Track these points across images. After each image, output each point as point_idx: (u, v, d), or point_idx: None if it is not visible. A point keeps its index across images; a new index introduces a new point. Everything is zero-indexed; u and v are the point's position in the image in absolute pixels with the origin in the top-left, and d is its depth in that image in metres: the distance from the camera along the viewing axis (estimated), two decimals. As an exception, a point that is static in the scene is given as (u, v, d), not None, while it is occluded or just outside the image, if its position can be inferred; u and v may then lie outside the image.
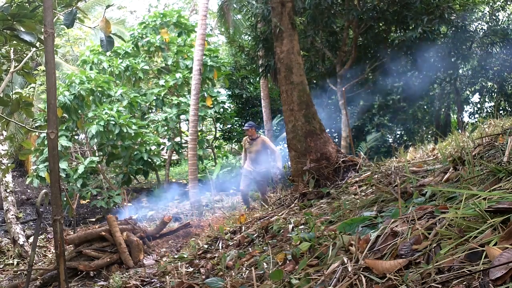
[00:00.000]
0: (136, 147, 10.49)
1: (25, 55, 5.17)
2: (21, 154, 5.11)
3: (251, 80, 15.18)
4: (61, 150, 9.46)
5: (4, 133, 7.49)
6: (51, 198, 3.06)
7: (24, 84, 12.68)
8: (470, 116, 15.12)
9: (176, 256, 4.42)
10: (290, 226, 3.26)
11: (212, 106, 12.14)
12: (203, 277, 3.10)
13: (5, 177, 7.49)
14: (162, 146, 12.44)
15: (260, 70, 10.77)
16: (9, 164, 6.63)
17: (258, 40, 10.15)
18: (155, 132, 11.95)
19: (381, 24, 9.71)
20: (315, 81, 11.50)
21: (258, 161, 8.50)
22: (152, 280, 3.94)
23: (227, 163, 14.56)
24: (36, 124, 9.98)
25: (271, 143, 8.57)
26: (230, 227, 4.70)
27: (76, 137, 11.10)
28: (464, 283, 1.37)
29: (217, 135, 15.04)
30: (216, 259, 3.53)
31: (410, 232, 1.86)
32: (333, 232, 2.51)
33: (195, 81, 9.61)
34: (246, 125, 8.72)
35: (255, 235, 3.72)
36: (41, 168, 9.66)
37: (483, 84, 14.51)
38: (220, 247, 3.98)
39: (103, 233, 5.49)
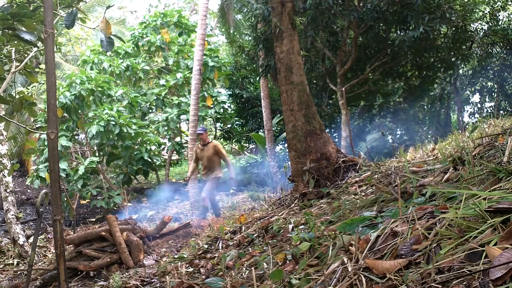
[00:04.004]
0: (136, 147, 10.50)
1: (26, 55, 5.17)
2: (25, 154, 5.11)
3: (251, 80, 15.19)
4: (61, 150, 9.47)
5: (5, 133, 7.50)
6: (51, 198, 3.06)
7: (25, 82, 12.70)
8: (470, 116, 15.14)
9: (176, 256, 4.42)
10: (290, 226, 3.26)
11: (212, 106, 12.14)
12: (203, 277, 3.10)
13: (5, 177, 7.49)
14: (162, 146, 12.44)
15: (260, 70, 10.76)
16: (14, 164, 6.63)
17: (258, 40, 10.15)
18: (155, 132, 11.96)
19: (381, 24, 9.71)
20: (315, 81, 11.50)
21: (210, 167, 7.94)
22: (152, 280, 3.94)
23: (227, 163, 14.54)
24: (37, 125, 9.99)
25: (223, 150, 8.08)
26: (230, 227, 4.70)
27: (76, 137, 11.10)
28: (464, 283, 1.37)
29: (217, 135, 15.05)
30: (216, 259, 3.53)
31: (410, 232, 1.86)
32: (333, 232, 2.51)
33: (195, 81, 9.61)
34: (199, 129, 8.26)
35: (255, 235, 3.72)
36: (41, 168, 9.66)
37: (483, 84, 14.52)
38: (220, 247, 3.98)
39: (103, 233, 5.48)
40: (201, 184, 8.39)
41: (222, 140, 15.94)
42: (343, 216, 2.94)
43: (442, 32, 9.80)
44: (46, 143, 8.42)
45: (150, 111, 12.90)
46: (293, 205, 4.32)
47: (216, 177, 7.95)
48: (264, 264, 2.60)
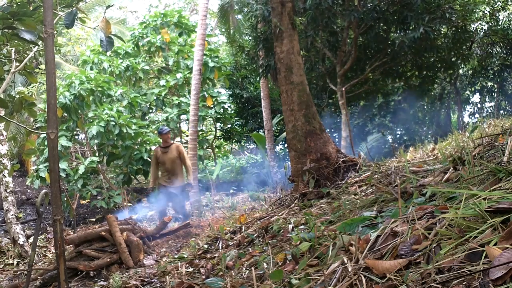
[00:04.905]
0: (136, 147, 10.49)
1: (26, 55, 5.17)
2: (25, 154, 5.12)
3: (252, 80, 15.20)
4: (61, 150, 9.46)
5: (5, 133, 7.50)
6: (51, 198, 3.06)
7: (25, 82, 12.71)
8: (470, 116, 15.16)
9: (176, 256, 4.42)
10: (290, 226, 3.26)
11: (212, 106, 12.14)
12: (203, 277, 3.10)
13: (5, 176, 7.49)
14: (162, 146, 12.43)
15: (260, 70, 10.77)
16: (14, 164, 6.63)
17: (258, 40, 10.15)
18: (155, 132, 11.95)
19: (381, 24, 9.72)
20: (315, 81, 11.50)
21: (174, 172, 7.38)
22: (152, 280, 3.94)
23: (227, 163, 14.58)
24: (37, 125, 9.99)
25: (185, 153, 7.57)
26: (230, 227, 4.70)
27: (76, 137, 11.09)
28: (464, 283, 1.37)
29: (218, 135, 15.04)
30: (216, 259, 3.53)
31: (410, 232, 1.86)
32: (333, 232, 2.51)
33: (195, 81, 9.61)
34: (163, 129, 7.51)
35: (255, 235, 3.72)
36: (41, 168, 9.66)
37: (483, 84, 14.53)
38: (220, 247, 3.98)
39: (103, 233, 5.48)
40: (164, 190, 7.55)
41: (222, 140, 15.94)
42: (343, 216, 2.94)
43: (442, 32, 9.80)
44: (46, 143, 8.42)
45: (150, 111, 12.90)
46: (293, 205, 4.32)
47: (185, 185, 7.57)
48: (264, 264, 2.60)
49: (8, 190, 7.55)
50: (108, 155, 10.53)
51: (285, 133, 6.45)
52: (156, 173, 7.63)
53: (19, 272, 6.13)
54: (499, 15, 12.43)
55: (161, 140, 7.92)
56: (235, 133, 15.07)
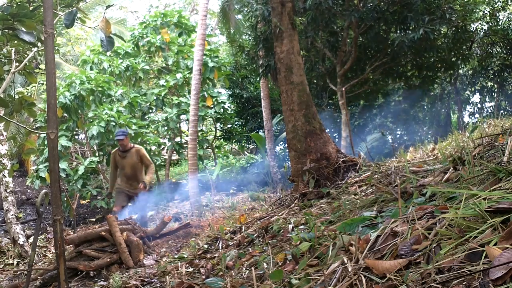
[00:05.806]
0: (136, 147, 10.48)
1: (26, 55, 5.18)
2: (25, 154, 5.13)
3: (252, 80, 15.19)
4: (61, 150, 9.47)
5: (5, 133, 7.50)
6: (51, 198, 3.06)
7: (25, 83, 12.71)
8: (470, 116, 15.14)
9: (176, 256, 4.42)
10: (290, 226, 3.26)
11: (212, 106, 12.14)
12: (203, 277, 3.10)
13: (5, 177, 7.49)
14: (162, 146, 12.43)
15: (260, 70, 10.76)
16: (13, 164, 6.64)
17: (258, 40, 10.15)
18: (155, 132, 11.95)
19: (381, 24, 9.71)
20: (315, 81, 11.49)
21: (135, 177, 6.92)
22: (152, 280, 3.94)
23: (227, 163, 14.57)
24: (37, 125, 9.99)
25: (147, 155, 7.08)
26: (230, 227, 4.70)
27: (76, 137, 11.09)
28: (464, 283, 1.37)
29: (217, 135, 15.04)
30: (216, 259, 3.53)
31: (410, 232, 1.86)
32: (333, 232, 2.51)
33: (195, 81, 9.61)
34: (118, 133, 6.87)
35: (255, 235, 3.72)
36: (41, 168, 9.66)
37: (483, 84, 14.52)
38: (220, 247, 3.98)
39: (103, 233, 5.48)
40: (123, 191, 7.10)
41: (222, 140, 15.93)
42: (343, 216, 2.94)
43: (442, 32, 9.80)
44: (46, 143, 8.42)
45: (150, 111, 12.90)
46: (293, 205, 4.32)
47: (146, 191, 6.96)
48: (264, 264, 2.60)
49: (8, 190, 7.55)
50: (108, 155, 10.53)
51: (285, 133, 6.44)
52: (115, 178, 7.14)
53: (19, 272, 6.13)
54: (499, 15, 12.42)
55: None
56: (235, 133, 15.06)
